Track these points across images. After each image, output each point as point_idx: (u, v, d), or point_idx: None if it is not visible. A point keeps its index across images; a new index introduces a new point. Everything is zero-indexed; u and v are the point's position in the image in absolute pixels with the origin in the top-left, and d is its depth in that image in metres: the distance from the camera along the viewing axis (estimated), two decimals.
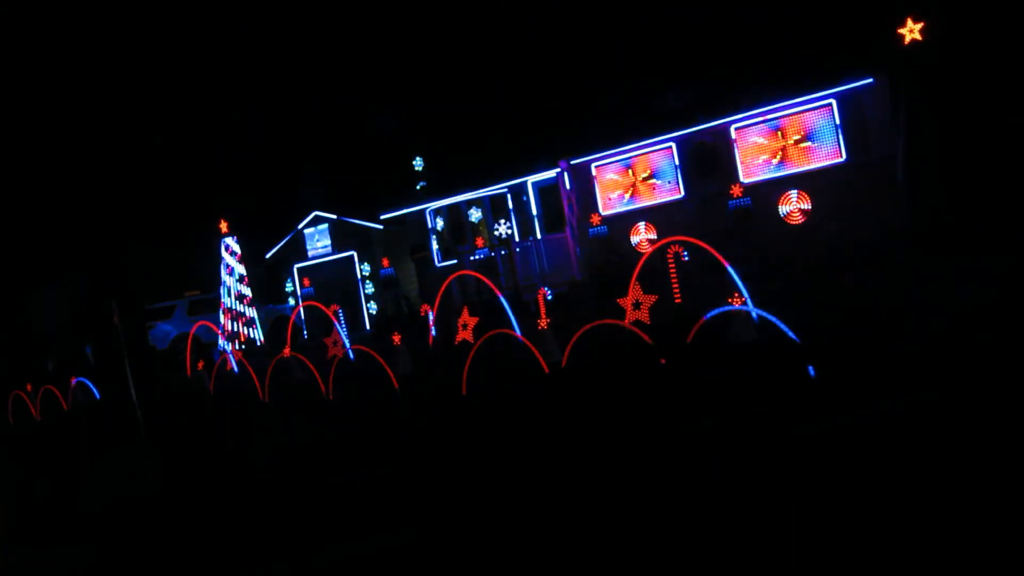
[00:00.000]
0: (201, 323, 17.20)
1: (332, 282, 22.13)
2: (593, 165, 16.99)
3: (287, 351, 11.96)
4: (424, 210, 20.09)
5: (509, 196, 19.10)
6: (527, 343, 8.76)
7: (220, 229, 19.60)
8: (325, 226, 22.50)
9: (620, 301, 8.71)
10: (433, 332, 13.49)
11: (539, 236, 18.52)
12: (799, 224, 14.65)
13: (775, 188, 14.88)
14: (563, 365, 8.53)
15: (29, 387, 14.93)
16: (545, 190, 18.72)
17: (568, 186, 17.37)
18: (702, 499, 3.54)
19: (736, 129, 15.35)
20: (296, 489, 5.27)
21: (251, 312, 19.53)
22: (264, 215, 26.19)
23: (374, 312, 21.39)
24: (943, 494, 3.44)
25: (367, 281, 21.76)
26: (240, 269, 19.49)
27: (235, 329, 19.07)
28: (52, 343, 23.47)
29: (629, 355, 8.16)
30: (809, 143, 14.66)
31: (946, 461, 3.77)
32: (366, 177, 27.48)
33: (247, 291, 19.52)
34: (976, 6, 12.83)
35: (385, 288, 19.02)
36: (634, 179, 16.60)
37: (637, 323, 8.58)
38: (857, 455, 3.98)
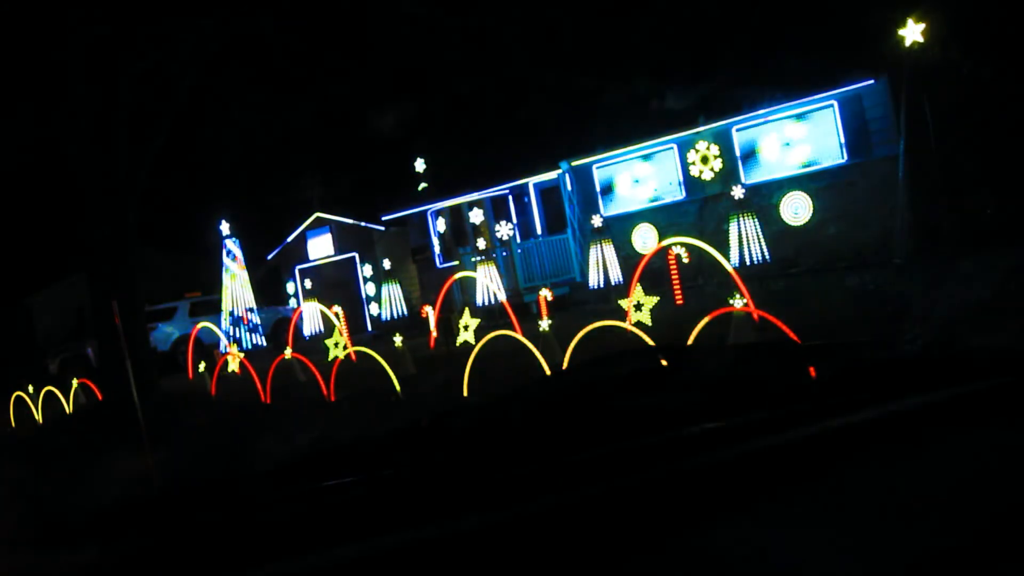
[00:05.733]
0: (202, 324, 17.21)
1: (333, 283, 22.11)
2: (594, 166, 17.00)
3: (288, 352, 11.96)
4: (425, 211, 20.08)
5: (511, 197, 19.09)
6: (529, 344, 8.76)
7: (221, 230, 19.61)
8: (326, 227, 22.50)
9: (621, 302, 8.72)
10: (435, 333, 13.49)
11: (540, 237, 18.51)
12: (800, 225, 14.64)
13: (776, 189, 14.88)
14: (564, 367, 8.52)
15: (31, 388, 14.95)
16: (546, 191, 18.71)
17: (569, 187, 17.38)
18: (704, 500, 3.53)
19: (737, 131, 15.35)
20: (296, 491, 5.26)
21: (252, 313, 19.54)
22: (265, 216, 26.21)
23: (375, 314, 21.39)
24: (944, 496, 3.43)
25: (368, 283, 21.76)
26: (241, 270, 19.50)
27: (236, 330, 19.07)
28: (53, 345, 23.50)
29: (630, 357, 8.15)
30: (810, 144, 14.66)
31: (947, 462, 3.77)
32: (367, 178, 27.49)
33: (248, 292, 19.54)
34: (976, 6, 12.83)
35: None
36: (635, 180, 16.60)
37: (638, 324, 8.58)
38: (858, 456, 3.98)
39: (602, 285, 15.54)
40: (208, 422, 11.15)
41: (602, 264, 15.49)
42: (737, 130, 15.35)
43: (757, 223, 13.69)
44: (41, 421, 14.32)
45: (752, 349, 7.64)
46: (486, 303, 15.67)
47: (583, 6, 22.68)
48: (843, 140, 14.29)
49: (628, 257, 15.62)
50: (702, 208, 15.67)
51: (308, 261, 22.91)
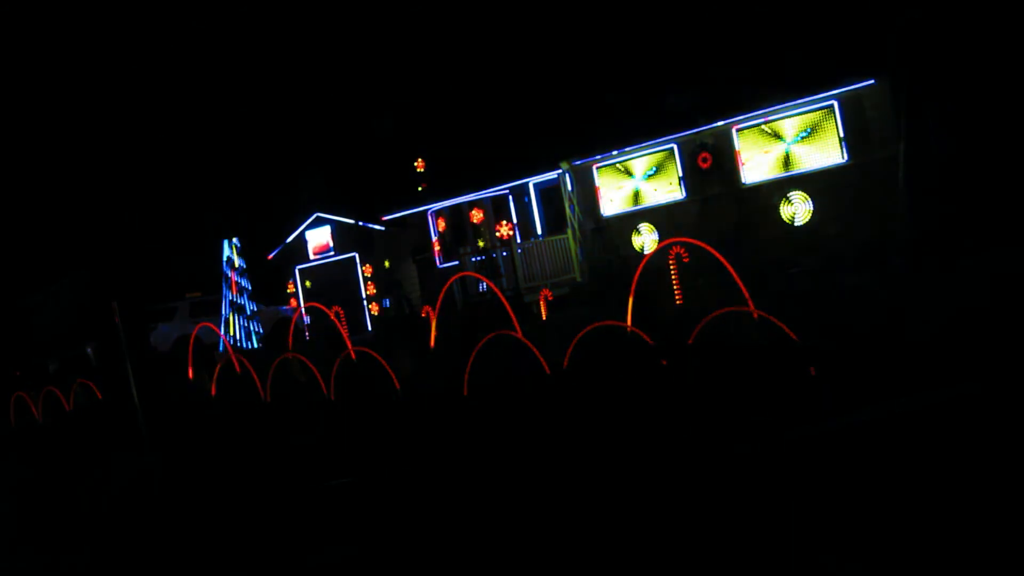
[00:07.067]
0: (202, 324, 17.20)
1: (333, 283, 22.13)
2: (595, 166, 16.99)
3: (288, 352, 11.97)
4: (426, 211, 20.10)
5: (511, 197, 19.10)
6: (529, 344, 8.76)
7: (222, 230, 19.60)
8: (327, 227, 22.51)
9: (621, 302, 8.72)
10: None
11: (540, 237, 18.52)
12: (800, 225, 14.64)
13: (776, 189, 14.88)
14: (564, 366, 8.52)
15: (31, 388, 14.95)
16: (546, 191, 18.72)
17: (569, 187, 17.38)
18: (704, 500, 3.53)
19: (738, 130, 15.35)
20: (297, 491, 5.27)
21: (253, 313, 19.53)
22: (266, 216, 26.22)
23: (375, 314, 21.40)
24: (944, 495, 3.43)
25: (368, 283, 21.77)
26: (242, 271, 19.49)
27: (236, 331, 19.06)
28: (53, 344, 23.47)
29: (630, 356, 8.16)
30: (810, 144, 14.66)
31: (947, 461, 3.77)
32: (368, 178, 27.51)
33: (248, 292, 19.52)
34: (977, 6, 12.83)
35: (387, 289, 19.11)
36: (636, 180, 16.61)
37: (638, 324, 8.57)
38: (858, 456, 3.98)
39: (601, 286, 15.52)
40: (208, 422, 11.14)
41: (601, 264, 15.48)
42: (737, 130, 15.35)
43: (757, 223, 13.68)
44: (41, 421, 14.32)
45: (752, 349, 7.67)
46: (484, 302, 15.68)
47: (584, 6, 22.68)
48: (843, 140, 14.29)
49: (628, 257, 15.61)
50: (702, 208, 15.66)
51: (308, 261, 22.92)
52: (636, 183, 16.60)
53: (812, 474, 3.62)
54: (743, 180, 15.11)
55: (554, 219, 18.55)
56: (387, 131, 26.01)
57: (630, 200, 16.68)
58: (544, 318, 9.40)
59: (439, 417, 7.93)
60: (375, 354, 9.92)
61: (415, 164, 21.08)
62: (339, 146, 29.72)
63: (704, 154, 15.67)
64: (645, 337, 7.98)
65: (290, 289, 23.25)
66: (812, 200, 14.51)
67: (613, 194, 16.86)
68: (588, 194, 17.07)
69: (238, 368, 13.58)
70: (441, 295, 13.51)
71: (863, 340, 7.14)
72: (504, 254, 17.26)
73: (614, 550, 3.02)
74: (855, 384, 5.18)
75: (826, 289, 11.18)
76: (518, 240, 18.39)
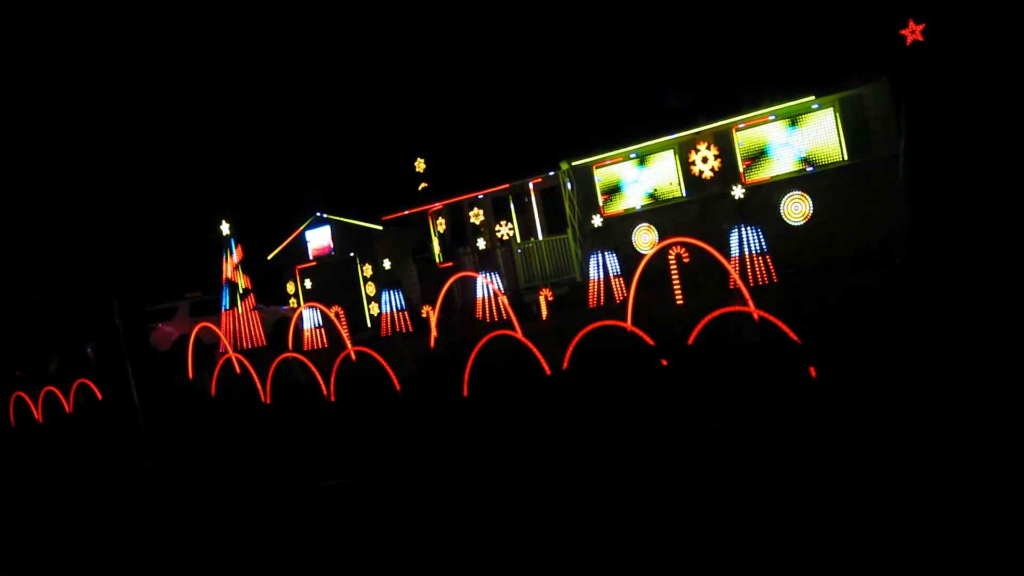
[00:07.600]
0: (202, 324, 17.19)
1: (333, 283, 22.14)
2: (594, 166, 17.00)
3: (288, 352, 11.97)
4: (425, 211, 20.10)
5: (511, 197, 19.10)
6: (529, 344, 8.75)
7: (222, 230, 19.61)
8: (327, 227, 22.51)
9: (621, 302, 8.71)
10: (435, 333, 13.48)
11: (540, 237, 18.52)
12: (801, 225, 14.64)
13: (776, 189, 14.88)
14: (564, 367, 8.52)
15: (31, 388, 14.94)
16: (546, 191, 18.72)
17: (569, 187, 17.38)
18: (705, 502, 3.54)
19: (737, 131, 15.36)
20: (297, 492, 5.28)
21: (252, 313, 19.52)
22: (266, 216, 26.23)
23: (375, 314, 21.39)
24: (945, 495, 3.44)
25: (368, 282, 21.77)
26: (241, 270, 19.49)
27: (236, 330, 19.06)
28: (53, 344, 23.48)
29: (630, 356, 8.16)
30: (810, 144, 14.66)
31: (948, 462, 3.77)
32: (368, 178, 27.53)
33: (248, 292, 19.52)
34: (976, 7, 12.84)
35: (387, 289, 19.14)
36: (635, 180, 16.61)
37: (638, 324, 8.56)
38: (859, 456, 3.98)
39: (602, 285, 15.51)
40: (208, 422, 11.14)
41: (602, 263, 15.48)
42: (737, 130, 15.35)
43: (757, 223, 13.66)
44: (41, 421, 14.32)
45: (752, 349, 7.66)
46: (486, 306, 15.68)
47: (585, 5, 22.69)
48: (843, 140, 14.29)
49: (628, 257, 15.61)
50: (702, 208, 15.67)
51: (308, 261, 22.92)
52: (636, 183, 16.60)
53: (811, 474, 3.63)
54: (743, 180, 15.12)
55: (554, 219, 18.56)
56: (387, 131, 26.03)
57: (630, 200, 16.68)
58: (544, 318, 9.41)
59: (438, 418, 7.93)
60: (376, 354, 9.92)
61: (415, 164, 21.08)
62: (339, 146, 29.75)
63: (704, 153, 15.70)
64: (645, 337, 7.98)
65: (290, 289, 23.26)
66: (812, 200, 14.51)
67: (612, 194, 16.87)
68: (588, 194, 17.07)
69: (238, 370, 13.58)
70: (441, 295, 13.52)
71: (863, 340, 7.15)
72: (504, 254, 17.26)
73: (614, 551, 3.02)
74: (855, 384, 5.19)
75: (826, 289, 11.18)
76: (518, 240, 18.39)
